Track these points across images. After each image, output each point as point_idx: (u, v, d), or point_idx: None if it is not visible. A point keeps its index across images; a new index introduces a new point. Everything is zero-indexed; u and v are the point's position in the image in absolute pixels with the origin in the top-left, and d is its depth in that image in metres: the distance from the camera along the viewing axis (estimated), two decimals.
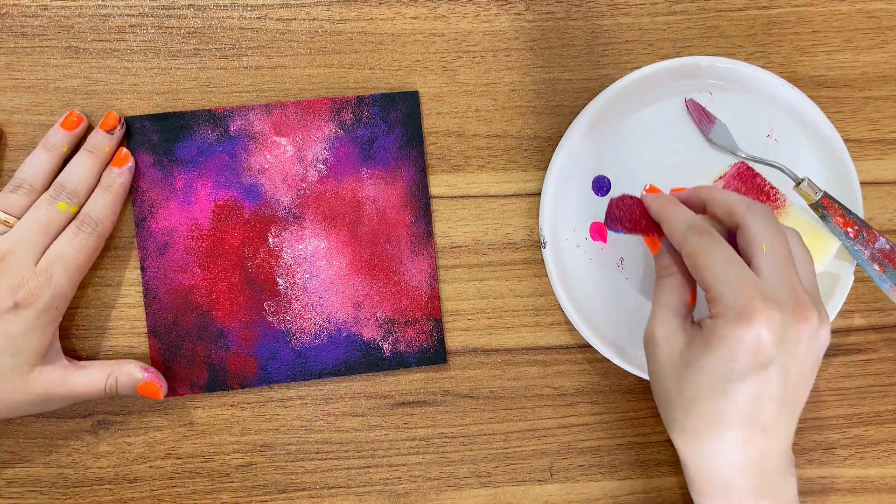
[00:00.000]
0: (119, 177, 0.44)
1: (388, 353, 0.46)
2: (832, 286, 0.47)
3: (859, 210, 0.46)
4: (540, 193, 0.46)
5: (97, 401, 0.45)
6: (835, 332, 0.49)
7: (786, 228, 0.39)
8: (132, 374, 0.43)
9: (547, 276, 0.46)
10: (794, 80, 0.48)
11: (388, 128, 0.46)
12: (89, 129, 0.45)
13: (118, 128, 0.44)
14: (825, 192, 0.45)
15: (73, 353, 0.45)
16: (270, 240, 0.46)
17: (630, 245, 0.47)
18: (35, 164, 0.43)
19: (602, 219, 0.46)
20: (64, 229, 0.42)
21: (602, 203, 0.46)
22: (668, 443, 0.48)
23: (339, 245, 0.46)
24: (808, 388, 0.38)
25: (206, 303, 0.45)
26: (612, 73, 0.47)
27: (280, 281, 0.46)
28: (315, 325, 0.46)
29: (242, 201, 0.46)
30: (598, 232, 0.46)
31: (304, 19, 0.46)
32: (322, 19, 0.46)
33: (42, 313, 0.40)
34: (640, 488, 0.48)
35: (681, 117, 0.47)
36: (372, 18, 0.46)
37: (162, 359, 0.45)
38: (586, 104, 0.46)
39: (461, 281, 0.47)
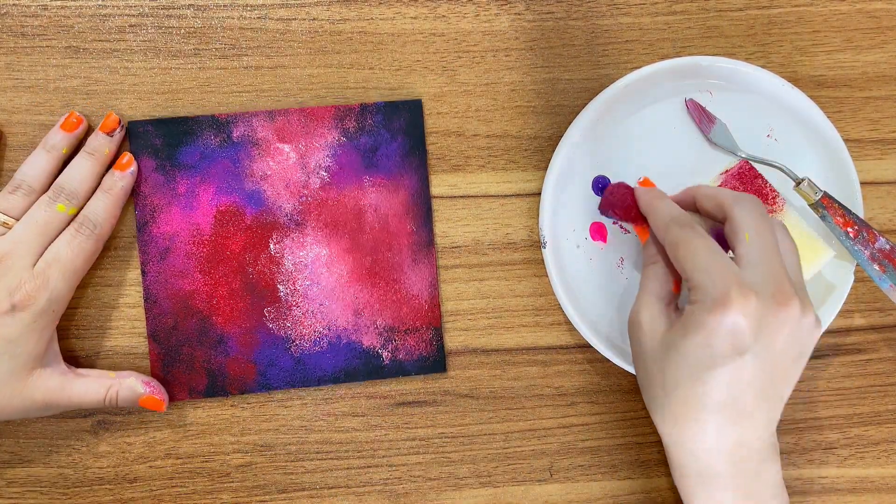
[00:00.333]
0: (121, 180, 0.44)
1: (387, 361, 0.46)
2: (832, 286, 0.47)
3: (859, 210, 0.46)
4: (540, 193, 0.46)
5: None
6: (835, 332, 0.49)
7: (774, 219, 0.40)
8: (134, 388, 0.43)
9: (547, 276, 0.46)
10: (794, 80, 0.48)
11: (391, 136, 0.46)
12: (89, 130, 0.45)
13: (118, 129, 0.44)
14: (825, 192, 0.45)
15: (73, 353, 0.45)
16: (272, 246, 0.46)
17: (630, 245, 0.47)
18: (34, 166, 0.43)
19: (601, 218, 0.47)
20: (62, 231, 0.42)
21: None
22: None
23: (340, 252, 0.46)
24: (794, 376, 0.38)
25: (207, 308, 0.45)
26: (612, 73, 0.47)
27: (281, 287, 0.46)
28: (315, 332, 0.46)
29: (244, 207, 0.46)
30: (598, 232, 0.46)
31: (304, 19, 0.46)
32: (322, 19, 0.46)
33: (39, 316, 0.40)
34: (640, 488, 0.48)
35: (681, 117, 0.47)
36: (372, 18, 0.46)
37: (161, 363, 0.45)
38: (586, 104, 0.46)
39: (461, 281, 0.47)
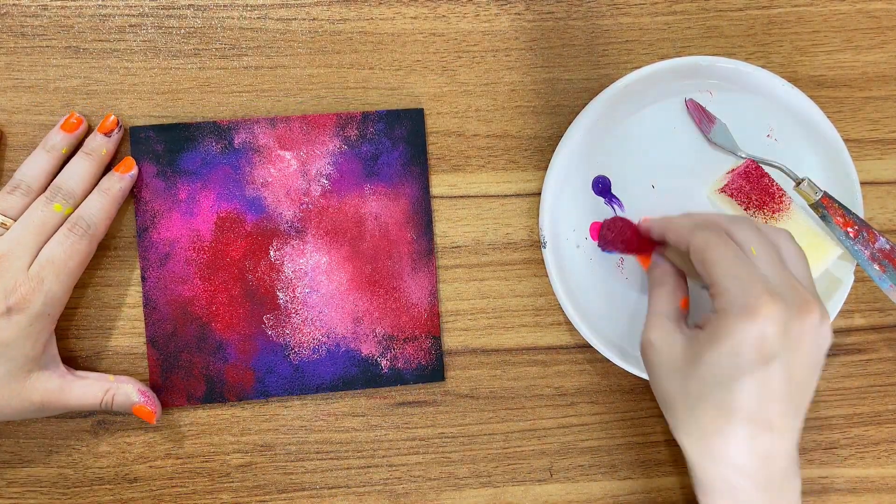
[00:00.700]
0: (119, 182, 0.44)
1: (386, 370, 0.46)
2: (832, 286, 0.47)
3: (859, 210, 0.46)
4: (540, 193, 0.46)
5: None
6: (835, 332, 0.49)
7: (776, 229, 0.39)
8: (129, 395, 0.43)
9: (547, 276, 0.46)
10: (794, 80, 0.48)
11: (393, 144, 0.46)
12: (89, 130, 0.45)
13: (116, 130, 0.44)
14: (825, 192, 0.45)
15: (73, 353, 0.45)
16: (272, 253, 0.46)
17: None
18: (33, 166, 0.43)
19: (602, 219, 0.46)
20: None
21: (601, 203, 0.46)
22: (669, 443, 0.48)
23: (340, 260, 0.46)
24: (814, 385, 0.38)
25: (206, 314, 0.45)
26: (612, 73, 0.47)
27: (280, 295, 0.46)
28: (314, 339, 0.46)
29: (245, 214, 0.46)
30: (597, 232, 0.46)
31: (304, 19, 0.46)
32: (322, 19, 0.46)
33: (35, 319, 0.40)
34: (640, 488, 0.48)
35: (681, 117, 0.47)
36: (372, 18, 0.46)
37: (160, 369, 0.45)
38: (586, 104, 0.46)
39: (461, 281, 0.47)
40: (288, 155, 0.46)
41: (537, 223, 0.47)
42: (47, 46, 0.45)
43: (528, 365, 0.47)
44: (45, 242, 0.41)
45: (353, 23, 0.46)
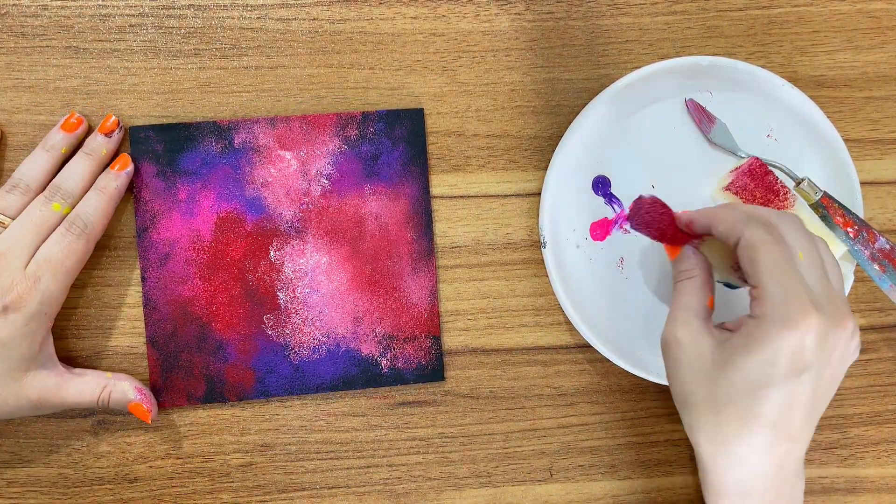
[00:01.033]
0: (115, 180, 0.44)
1: (385, 370, 0.46)
2: None
3: (859, 210, 0.46)
4: (540, 193, 0.46)
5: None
6: None
7: (816, 236, 0.38)
8: (125, 392, 0.43)
9: (547, 276, 0.46)
10: (794, 80, 0.48)
11: (393, 144, 0.46)
12: (89, 131, 0.45)
13: (116, 131, 0.44)
14: (825, 192, 0.45)
15: (72, 353, 0.45)
16: (272, 253, 0.46)
17: (630, 245, 0.47)
18: (33, 165, 0.43)
19: (601, 218, 0.46)
20: None
21: (601, 203, 0.46)
22: (669, 443, 0.48)
23: (340, 260, 0.46)
24: (831, 397, 0.38)
25: (206, 314, 0.45)
26: (612, 73, 0.47)
27: (280, 294, 0.46)
28: (314, 339, 0.46)
29: (245, 214, 0.46)
30: (598, 232, 0.46)
31: (304, 19, 0.46)
32: (322, 19, 0.46)
33: (31, 319, 0.40)
34: (640, 488, 0.48)
35: (681, 117, 0.47)
36: (372, 18, 0.46)
37: (160, 369, 0.45)
38: (586, 104, 0.46)
39: (461, 281, 0.47)
40: (288, 155, 0.46)
41: (537, 223, 0.47)
42: (47, 46, 0.45)
43: (528, 365, 0.47)
44: (43, 242, 0.41)
45: (353, 23, 0.46)
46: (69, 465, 0.45)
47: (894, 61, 0.49)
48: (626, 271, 0.47)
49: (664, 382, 0.45)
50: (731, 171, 0.46)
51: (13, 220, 0.42)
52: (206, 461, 0.46)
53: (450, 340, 0.47)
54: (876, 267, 0.45)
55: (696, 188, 0.47)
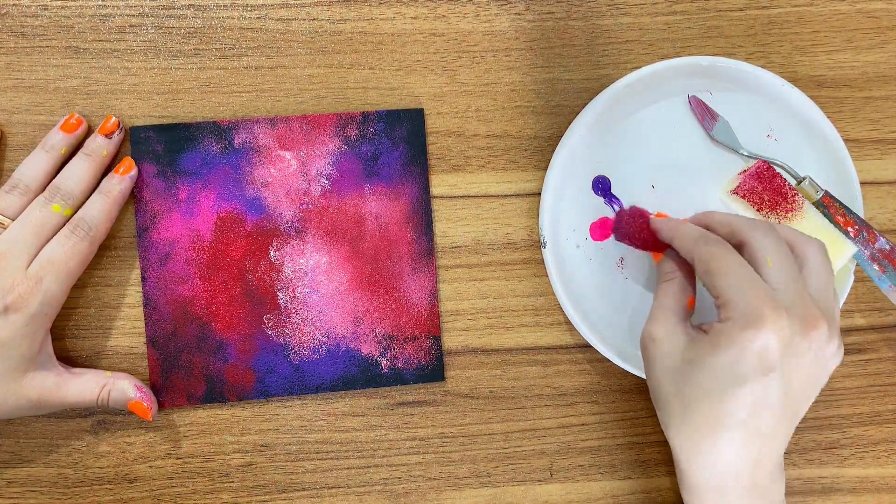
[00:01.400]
0: (119, 184, 0.44)
1: (385, 370, 0.46)
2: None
3: (859, 210, 0.46)
4: (540, 193, 0.46)
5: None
6: None
7: (809, 239, 0.39)
8: (125, 391, 0.43)
9: (547, 276, 0.46)
10: (794, 80, 0.48)
11: (393, 144, 0.46)
12: (89, 131, 0.45)
13: (117, 132, 0.44)
14: (826, 192, 0.45)
15: (72, 353, 0.45)
16: (272, 253, 0.46)
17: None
18: (32, 166, 0.43)
19: (601, 218, 0.47)
20: (57, 232, 0.42)
21: (601, 203, 0.46)
22: (668, 442, 0.48)
23: (340, 260, 0.46)
24: (810, 399, 0.38)
25: (206, 314, 0.45)
26: (612, 73, 0.47)
27: (280, 295, 0.46)
28: (314, 339, 0.46)
29: (245, 214, 0.46)
30: (598, 232, 0.46)
31: (304, 19, 0.46)
32: (322, 19, 0.46)
33: (32, 319, 0.40)
34: (640, 488, 0.48)
35: (681, 117, 0.47)
36: (372, 18, 0.46)
37: (160, 369, 0.45)
38: (586, 104, 0.46)
39: (461, 281, 0.47)
40: (288, 155, 0.46)
41: (537, 223, 0.47)
42: (47, 46, 0.45)
43: (528, 365, 0.47)
44: (43, 242, 0.41)
45: (353, 23, 0.46)
46: (69, 465, 0.45)
47: (894, 61, 0.49)
48: (626, 271, 0.47)
49: None
50: (739, 174, 0.46)
51: (13, 220, 0.42)
52: (206, 461, 0.46)
53: (450, 340, 0.47)
54: (876, 267, 0.45)
55: (696, 188, 0.47)
